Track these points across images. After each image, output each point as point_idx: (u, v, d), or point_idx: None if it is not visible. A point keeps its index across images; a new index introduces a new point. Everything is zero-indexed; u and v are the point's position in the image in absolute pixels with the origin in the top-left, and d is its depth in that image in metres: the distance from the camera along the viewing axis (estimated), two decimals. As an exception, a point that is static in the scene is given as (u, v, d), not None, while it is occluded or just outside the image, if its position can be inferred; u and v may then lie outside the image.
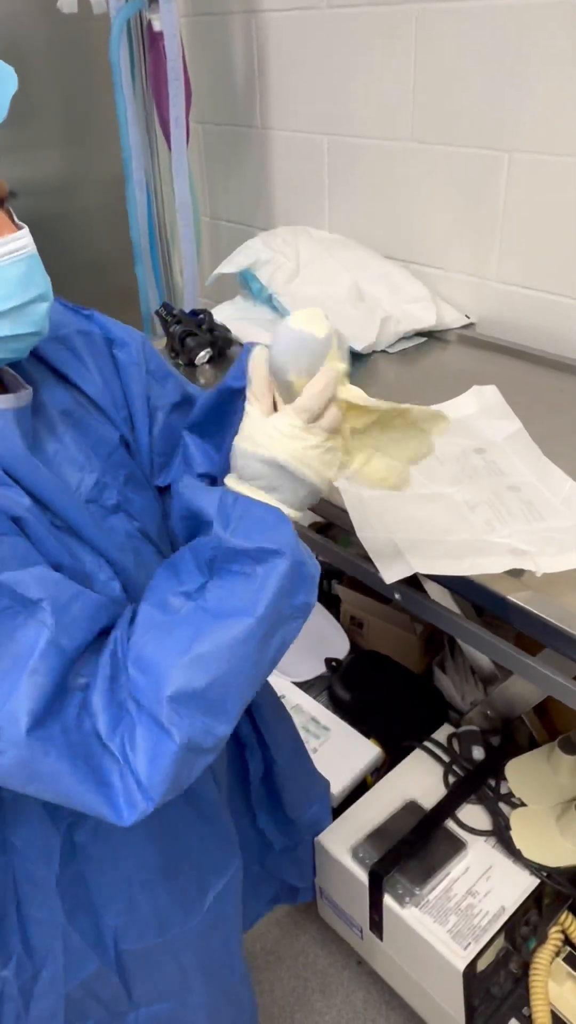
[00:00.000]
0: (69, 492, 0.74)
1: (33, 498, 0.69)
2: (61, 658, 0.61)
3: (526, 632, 0.89)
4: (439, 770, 1.34)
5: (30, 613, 0.61)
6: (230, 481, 0.70)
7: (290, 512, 0.68)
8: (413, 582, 0.99)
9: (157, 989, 0.96)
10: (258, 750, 1.09)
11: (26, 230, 0.68)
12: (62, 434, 0.78)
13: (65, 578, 0.65)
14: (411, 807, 1.28)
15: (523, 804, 1.26)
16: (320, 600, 1.86)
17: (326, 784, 1.28)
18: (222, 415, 0.83)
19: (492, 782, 1.30)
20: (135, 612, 0.67)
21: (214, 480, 0.88)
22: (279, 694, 1.60)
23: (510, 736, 1.41)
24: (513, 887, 1.16)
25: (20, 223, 0.69)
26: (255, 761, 1.09)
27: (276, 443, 0.67)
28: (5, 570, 0.61)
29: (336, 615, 1.83)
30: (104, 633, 0.66)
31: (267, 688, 1.09)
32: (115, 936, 0.89)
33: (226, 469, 0.73)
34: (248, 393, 0.70)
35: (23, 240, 0.67)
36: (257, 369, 0.69)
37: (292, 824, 1.19)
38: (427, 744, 1.38)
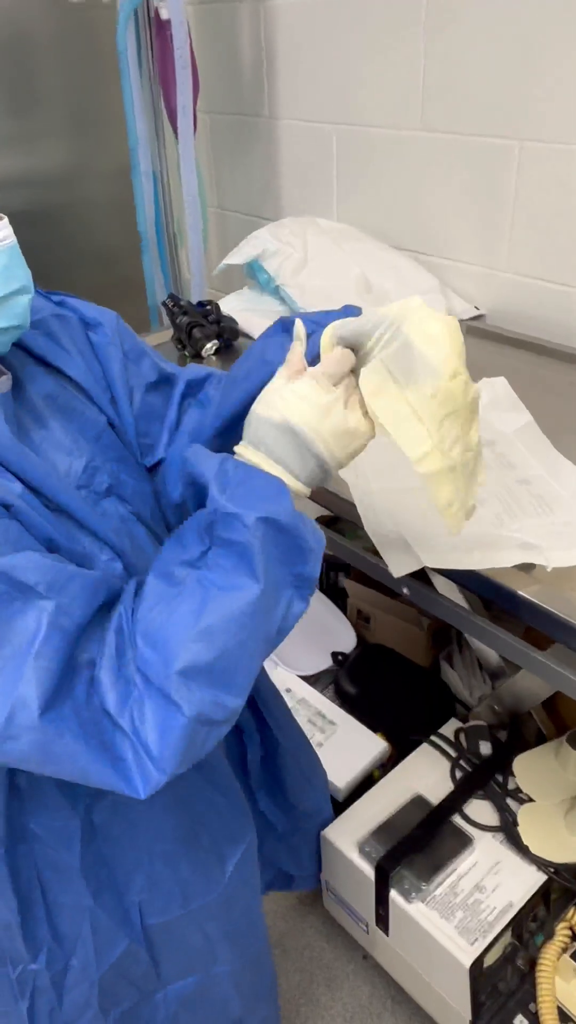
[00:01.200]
0: (60, 478, 0.73)
1: (24, 484, 0.69)
2: (64, 638, 0.60)
3: (535, 627, 0.88)
4: (446, 765, 1.33)
5: (27, 598, 0.60)
6: (239, 448, 0.69)
7: (296, 486, 0.67)
8: (421, 576, 0.99)
9: (184, 963, 0.96)
10: (256, 734, 1.09)
11: (5, 220, 0.67)
12: (47, 419, 0.76)
13: (60, 559, 0.64)
14: (418, 802, 1.28)
15: (531, 800, 1.25)
16: (327, 594, 1.85)
17: (325, 774, 1.28)
18: None
19: (499, 777, 1.29)
20: (139, 584, 0.66)
21: None
22: (285, 688, 1.61)
23: (518, 731, 1.40)
24: (520, 883, 1.16)
25: None
26: (253, 745, 1.09)
27: (290, 406, 0.66)
28: None
29: (343, 609, 1.83)
30: (105, 607, 0.66)
31: (263, 673, 1.08)
32: (140, 911, 0.89)
33: None
34: (283, 365, 0.70)
35: (3, 232, 0.66)
36: (297, 343, 0.70)
37: (293, 809, 1.19)
38: (434, 739, 1.37)
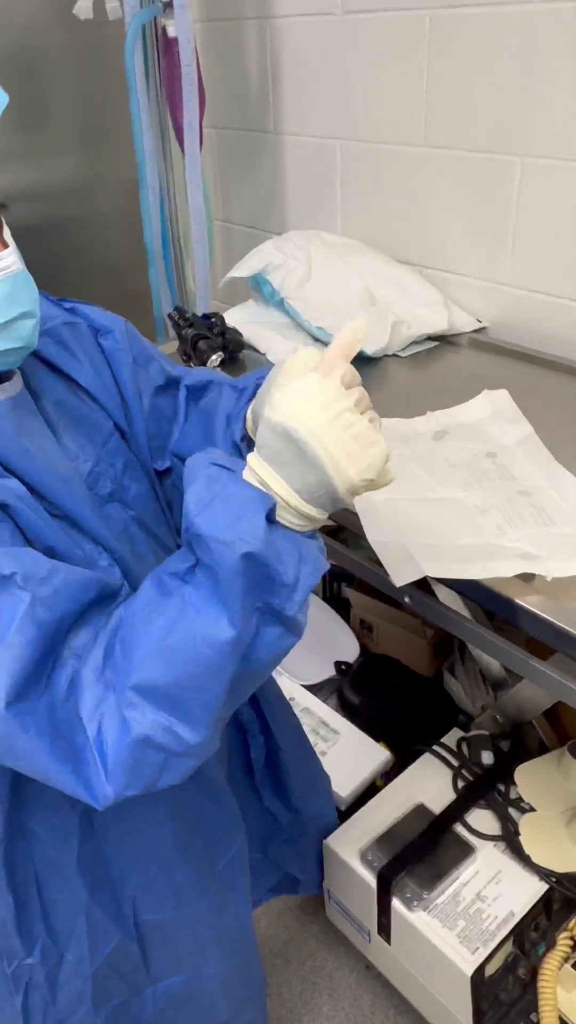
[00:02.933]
0: (66, 481, 0.74)
1: (30, 488, 0.70)
2: (40, 630, 0.59)
3: (536, 636, 0.89)
4: (448, 774, 1.34)
5: (3, 587, 0.59)
6: (251, 456, 0.63)
7: (295, 501, 0.60)
8: (423, 586, 1.00)
9: (173, 961, 0.98)
10: (260, 736, 1.10)
11: (12, 248, 0.68)
12: (55, 425, 0.78)
13: (40, 555, 0.63)
14: (420, 811, 1.28)
15: (532, 809, 1.25)
16: (330, 603, 1.86)
17: (329, 779, 1.29)
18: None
19: (501, 787, 1.30)
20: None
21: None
22: (288, 697, 1.61)
23: (520, 741, 1.40)
24: (522, 892, 1.16)
25: (7, 239, 0.68)
26: (256, 746, 1.10)
27: (292, 405, 0.59)
28: None
29: (346, 618, 1.84)
30: (101, 604, 0.65)
31: (269, 678, 1.09)
32: (134, 907, 0.91)
33: None
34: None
35: (8, 260, 0.67)
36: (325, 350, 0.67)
37: (298, 813, 1.20)
38: (436, 748, 1.38)
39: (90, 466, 0.80)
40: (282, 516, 0.61)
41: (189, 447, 0.87)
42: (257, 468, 0.62)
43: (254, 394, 0.83)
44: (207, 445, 0.85)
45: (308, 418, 0.59)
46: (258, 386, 0.82)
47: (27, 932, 0.85)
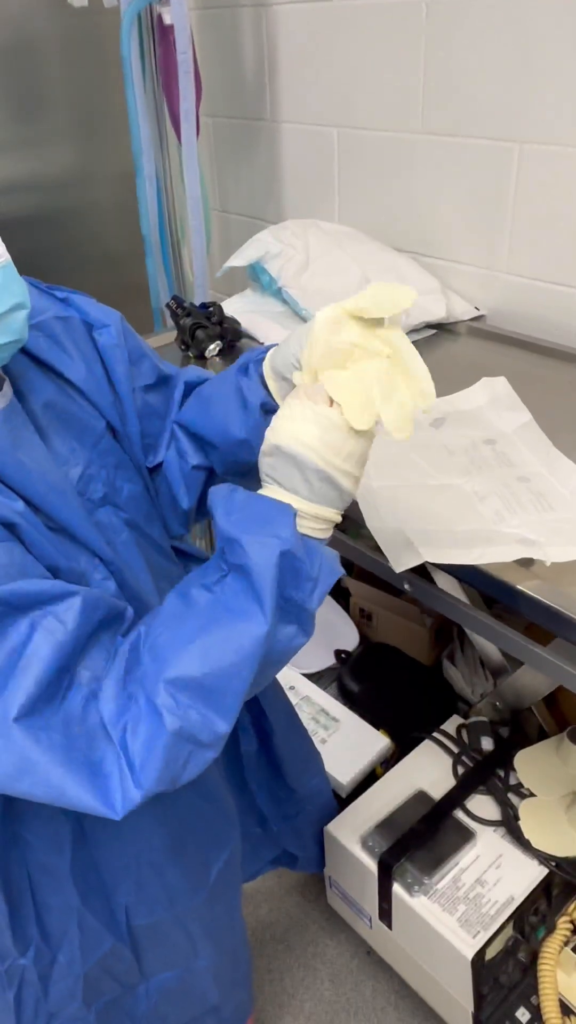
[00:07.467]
0: (59, 490, 0.73)
1: (24, 501, 0.69)
2: (56, 649, 0.61)
3: (536, 621, 0.89)
4: (448, 761, 1.34)
5: (23, 612, 0.62)
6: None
7: (310, 508, 0.67)
8: (422, 572, 1.00)
9: (166, 959, 0.98)
10: (250, 726, 1.10)
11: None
12: (45, 430, 0.76)
13: (58, 582, 0.66)
14: (420, 797, 1.29)
15: (532, 795, 1.26)
16: (330, 592, 1.86)
17: (320, 756, 1.29)
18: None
19: (501, 773, 1.30)
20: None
21: (210, 471, 0.90)
22: (289, 685, 1.62)
23: (519, 727, 1.41)
24: (522, 877, 1.17)
25: None
26: (247, 736, 1.11)
27: (277, 430, 0.66)
28: (3, 578, 0.62)
29: (345, 607, 1.84)
30: (110, 624, 0.67)
31: None
32: (127, 913, 0.92)
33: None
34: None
35: None
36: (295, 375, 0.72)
37: (293, 793, 1.20)
38: (436, 735, 1.39)
39: (81, 469, 0.78)
40: (303, 525, 0.67)
41: (192, 420, 0.87)
42: (265, 491, 0.68)
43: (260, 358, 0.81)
44: (214, 414, 0.84)
45: (289, 431, 0.66)
46: (259, 360, 0.81)
47: (21, 934, 0.86)
